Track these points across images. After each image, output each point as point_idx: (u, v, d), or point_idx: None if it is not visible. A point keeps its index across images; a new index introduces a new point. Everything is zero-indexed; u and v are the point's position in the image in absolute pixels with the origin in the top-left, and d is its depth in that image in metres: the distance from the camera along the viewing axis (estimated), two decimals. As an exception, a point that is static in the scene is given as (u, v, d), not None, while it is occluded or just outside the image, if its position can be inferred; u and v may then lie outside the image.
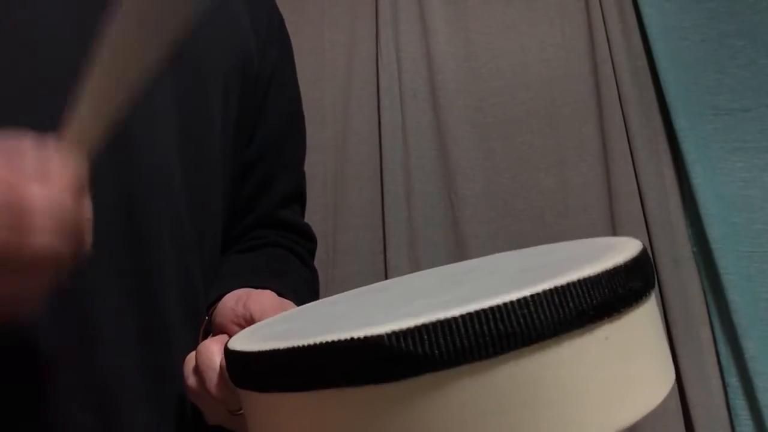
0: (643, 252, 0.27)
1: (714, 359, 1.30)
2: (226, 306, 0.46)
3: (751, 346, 1.23)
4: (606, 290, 0.23)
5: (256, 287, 0.49)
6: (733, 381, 1.27)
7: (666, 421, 1.26)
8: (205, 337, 0.49)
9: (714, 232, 1.29)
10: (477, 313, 0.21)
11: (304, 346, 0.23)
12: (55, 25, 0.46)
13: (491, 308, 0.21)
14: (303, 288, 0.59)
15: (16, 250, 0.30)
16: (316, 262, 0.68)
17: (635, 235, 1.32)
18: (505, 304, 0.22)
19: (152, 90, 0.50)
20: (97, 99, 0.35)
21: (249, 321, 0.44)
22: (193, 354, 0.45)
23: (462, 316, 0.21)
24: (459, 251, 1.43)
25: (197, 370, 0.43)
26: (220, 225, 0.58)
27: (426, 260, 1.43)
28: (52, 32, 0.46)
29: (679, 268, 1.33)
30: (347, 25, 1.55)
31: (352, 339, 0.22)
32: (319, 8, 1.56)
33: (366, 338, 0.22)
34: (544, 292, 0.22)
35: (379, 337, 0.22)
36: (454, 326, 0.21)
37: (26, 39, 0.45)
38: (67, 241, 0.33)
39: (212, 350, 0.43)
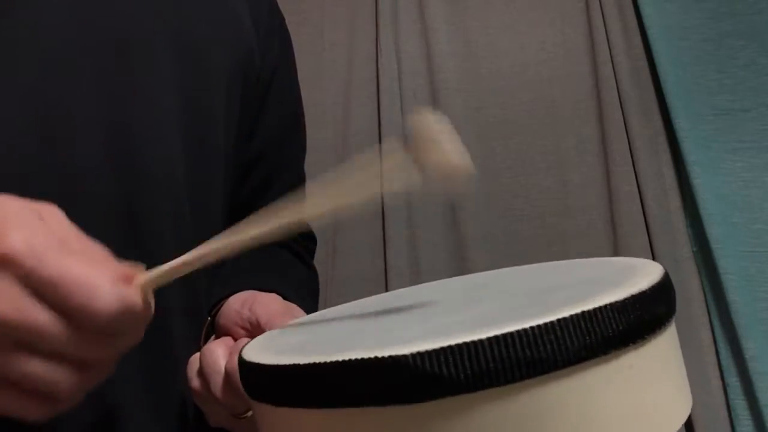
0: (666, 276, 0.26)
1: (714, 359, 1.30)
2: (231, 308, 0.46)
3: (751, 346, 1.24)
4: (632, 316, 0.23)
5: (261, 289, 0.49)
6: (733, 381, 1.27)
7: None
8: (206, 340, 0.49)
9: (714, 232, 1.29)
10: (504, 336, 0.21)
11: (326, 362, 0.23)
12: (57, 24, 0.46)
13: (518, 332, 0.21)
14: (304, 288, 0.59)
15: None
16: (316, 262, 0.68)
17: (635, 236, 1.33)
18: (532, 328, 0.21)
19: (154, 88, 0.50)
20: (198, 260, 0.36)
21: (254, 325, 0.44)
22: (197, 356, 0.44)
23: (489, 339, 0.21)
24: (459, 251, 1.43)
25: (201, 373, 0.43)
26: (221, 224, 0.58)
27: (426, 260, 1.43)
28: (55, 32, 0.46)
29: (679, 268, 1.33)
30: (347, 25, 1.55)
31: (376, 358, 0.22)
32: (319, 8, 1.56)
33: (391, 358, 0.21)
34: (572, 317, 0.22)
35: (404, 357, 0.21)
36: (480, 349, 0.21)
37: (28, 38, 0.45)
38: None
39: (217, 353, 0.42)
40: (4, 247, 0.29)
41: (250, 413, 0.43)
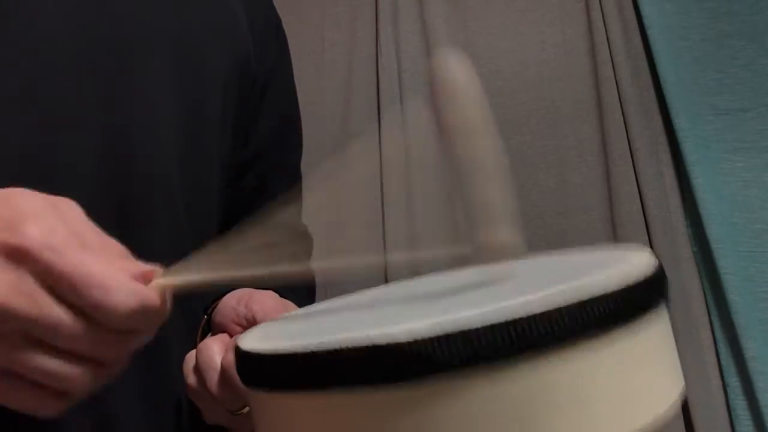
0: (656, 261, 0.27)
1: (714, 359, 1.30)
2: (227, 306, 0.46)
3: (751, 346, 1.23)
4: (622, 299, 0.23)
5: (256, 287, 0.49)
6: (733, 381, 1.27)
7: (666, 420, 1.25)
8: (202, 337, 0.49)
9: (714, 232, 1.29)
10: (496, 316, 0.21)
11: (320, 346, 0.23)
12: (56, 25, 0.46)
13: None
14: (301, 288, 0.59)
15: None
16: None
17: (635, 236, 1.33)
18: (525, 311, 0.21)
19: (152, 90, 0.50)
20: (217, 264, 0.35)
21: (251, 321, 0.44)
22: (193, 353, 0.45)
23: (481, 320, 0.21)
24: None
25: (197, 369, 0.43)
26: (216, 225, 0.58)
27: (426, 260, 1.42)
28: (53, 33, 0.46)
29: (679, 268, 1.33)
30: (347, 25, 1.55)
31: (370, 341, 0.22)
32: (319, 8, 1.56)
33: (383, 340, 0.22)
34: (564, 300, 0.22)
35: (398, 340, 0.21)
36: (472, 330, 0.21)
37: (26, 39, 0.45)
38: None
39: (213, 349, 0.43)
40: (21, 240, 0.29)
41: (246, 410, 0.43)
